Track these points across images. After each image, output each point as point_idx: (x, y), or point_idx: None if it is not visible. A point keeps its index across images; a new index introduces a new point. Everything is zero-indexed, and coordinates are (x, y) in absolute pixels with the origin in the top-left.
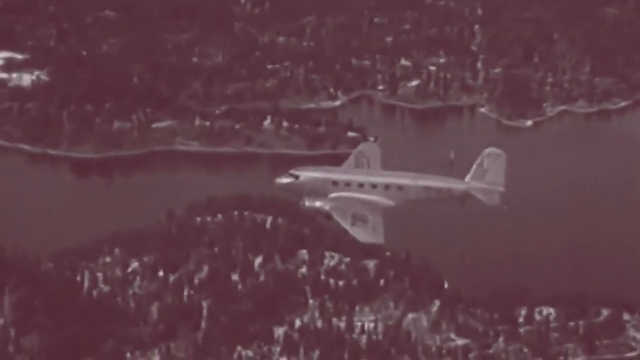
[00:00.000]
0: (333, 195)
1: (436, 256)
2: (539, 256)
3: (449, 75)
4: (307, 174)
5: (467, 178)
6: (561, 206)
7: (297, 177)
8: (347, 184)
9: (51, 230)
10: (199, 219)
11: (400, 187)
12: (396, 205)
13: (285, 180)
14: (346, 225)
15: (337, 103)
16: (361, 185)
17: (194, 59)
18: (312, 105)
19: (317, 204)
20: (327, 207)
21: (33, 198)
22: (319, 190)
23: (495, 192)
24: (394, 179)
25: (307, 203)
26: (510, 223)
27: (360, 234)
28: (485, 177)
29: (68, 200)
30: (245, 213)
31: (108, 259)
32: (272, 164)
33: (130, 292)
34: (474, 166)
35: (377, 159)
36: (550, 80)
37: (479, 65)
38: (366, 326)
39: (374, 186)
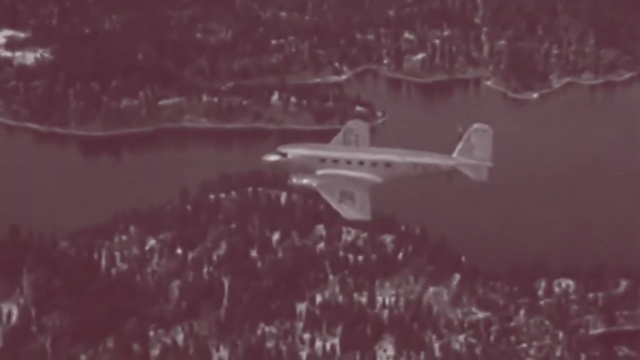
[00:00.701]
0: (320, 172)
1: (452, 231)
2: (555, 229)
3: (453, 49)
4: (294, 151)
5: (455, 154)
6: (572, 178)
7: (285, 154)
8: (335, 161)
9: (63, 209)
10: (212, 196)
11: (387, 164)
12: (384, 182)
13: (273, 157)
14: (333, 202)
15: (343, 78)
16: (349, 162)
17: (198, 35)
18: (318, 80)
19: (305, 181)
20: (314, 184)
21: (43, 177)
22: (306, 167)
23: (483, 167)
24: (382, 155)
25: (294, 180)
26: (522, 196)
27: (347, 211)
28: (472, 153)
29: (78, 179)
30: (259, 189)
31: (124, 237)
32: (282, 139)
33: (149, 270)
34: (461, 142)
35: (365, 136)
36: (555, 52)
37: (483, 37)
38: (387, 301)
39: (361, 163)
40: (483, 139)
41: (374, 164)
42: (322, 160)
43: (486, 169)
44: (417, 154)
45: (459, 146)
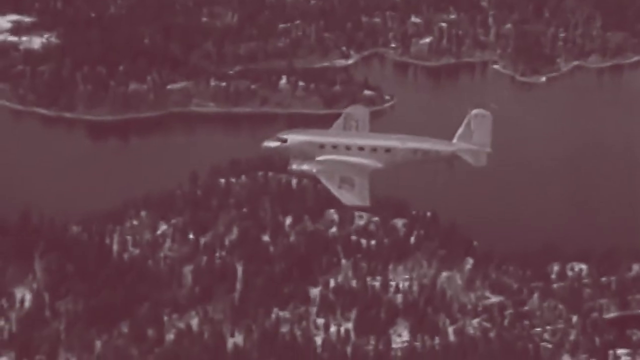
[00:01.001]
0: (320, 158)
1: (462, 215)
2: (566, 213)
3: (460, 32)
4: (294, 137)
5: (454, 140)
6: (582, 161)
7: (284, 140)
8: (335, 147)
9: (72, 194)
10: (222, 180)
11: (387, 149)
12: (384, 168)
13: (273, 143)
14: (333, 188)
15: (350, 61)
16: (348, 148)
17: (204, 19)
18: (325, 64)
19: (305, 167)
20: (314, 170)
21: (51, 162)
22: (306, 153)
23: (483, 153)
24: (381, 141)
25: (294, 166)
26: (532, 180)
27: (346, 197)
28: (472, 138)
29: (87, 164)
30: (270, 174)
31: (135, 222)
32: (290, 123)
33: (161, 255)
34: (461, 128)
35: (365, 122)
36: (562, 35)
37: (490, 21)
38: (401, 285)
39: (361, 149)
40: (482, 125)
41: (373, 149)
42: (322, 146)
43: (486, 154)
44: (417, 139)
45: (459, 132)
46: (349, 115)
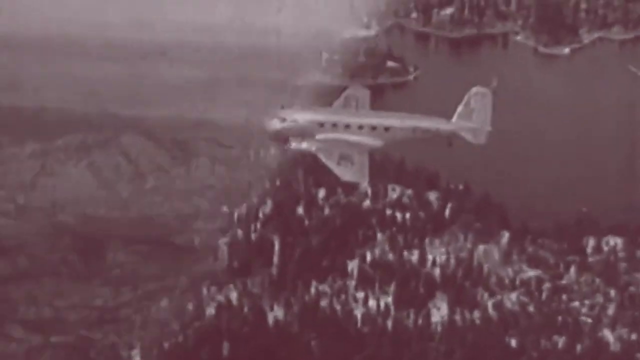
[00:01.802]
0: (320, 136)
1: (495, 188)
2: (598, 185)
3: (482, 3)
4: (294, 116)
5: (454, 118)
6: (612, 133)
7: (283, 119)
8: (334, 125)
9: None
10: (251, 151)
11: (387, 128)
12: (384, 146)
13: (274, 122)
14: (332, 165)
15: (372, 32)
16: (348, 126)
17: None
18: (347, 35)
19: (304, 145)
20: (313, 149)
21: None
22: (305, 131)
23: (483, 131)
24: (381, 119)
25: (293, 144)
26: (561, 152)
27: (345, 173)
28: (472, 116)
29: None
30: None
31: None
32: (314, 95)
33: (195, 227)
34: (461, 106)
35: (366, 101)
36: (584, 6)
37: None
38: (438, 259)
39: (360, 127)
40: (482, 102)
41: (373, 128)
42: (322, 124)
43: (485, 132)
44: (417, 117)
45: (458, 110)
46: (350, 94)
